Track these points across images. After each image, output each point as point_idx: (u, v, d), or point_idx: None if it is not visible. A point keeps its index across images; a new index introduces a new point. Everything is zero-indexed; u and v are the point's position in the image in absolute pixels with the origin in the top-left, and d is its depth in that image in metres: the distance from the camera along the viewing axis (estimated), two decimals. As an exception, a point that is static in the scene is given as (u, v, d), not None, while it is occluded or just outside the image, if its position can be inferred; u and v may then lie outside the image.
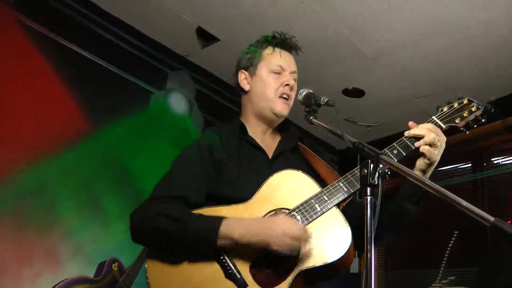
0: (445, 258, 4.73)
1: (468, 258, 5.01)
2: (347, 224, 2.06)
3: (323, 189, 2.16)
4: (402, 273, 5.73)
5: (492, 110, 2.24)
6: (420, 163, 2.14)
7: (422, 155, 2.13)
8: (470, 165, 5.59)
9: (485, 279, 2.94)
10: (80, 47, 4.21)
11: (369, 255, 1.49)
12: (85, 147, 4.08)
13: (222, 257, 2.05)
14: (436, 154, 2.12)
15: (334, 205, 2.11)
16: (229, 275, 2.02)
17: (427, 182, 1.54)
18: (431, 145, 2.11)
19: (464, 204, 1.39)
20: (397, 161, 2.02)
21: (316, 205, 2.10)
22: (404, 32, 4.33)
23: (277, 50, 2.47)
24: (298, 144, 2.50)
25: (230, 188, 2.21)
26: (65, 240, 3.79)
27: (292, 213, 2.10)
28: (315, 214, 2.09)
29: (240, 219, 2.07)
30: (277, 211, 2.13)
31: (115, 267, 3.98)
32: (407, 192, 2.18)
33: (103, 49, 4.39)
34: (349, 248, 2.01)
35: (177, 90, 4.95)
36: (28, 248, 3.57)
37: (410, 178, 1.57)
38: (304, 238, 2.02)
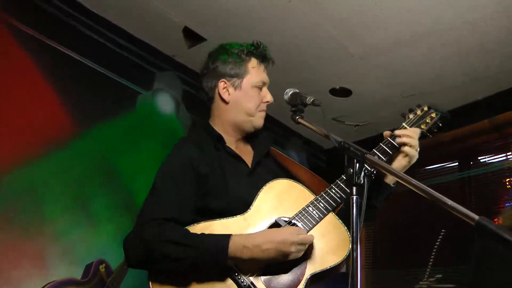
0: (432, 257, 4.75)
1: (455, 256, 5.03)
2: (345, 226, 2.17)
3: (318, 196, 2.23)
4: (389, 272, 5.75)
5: (449, 117, 2.40)
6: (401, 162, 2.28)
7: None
8: (457, 163, 5.61)
9: (479, 279, 2.96)
10: (67, 47, 4.18)
11: (355, 254, 1.50)
12: (73, 148, 4.06)
13: (235, 273, 2.05)
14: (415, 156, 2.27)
15: (331, 211, 2.20)
16: None
17: (413, 182, 1.54)
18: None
19: (449, 203, 1.41)
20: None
21: (314, 212, 2.18)
22: (391, 32, 4.34)
23: (261, 64, 2.50)
24: (270, 148, 2.56)
25: (220, 201, 2.22)
26: (53, 242, 3.76)
27: (293, 221, 2.17)
28: (314, 220, 2.17)
29: (246, 235, 2.09)
30: (277, 221, 2.18)
31: (102, 268, 3.96)
32: (378, 191, 2.31)
33: (90, 49, 4.36)
34: (350, 249, 2.10)
35: (164, 90, 4.93)
36: (15, 250, 3.55)
37: (395, 178, 1.58)
38: (308, 241, 2.09)
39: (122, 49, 4.62)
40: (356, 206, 1.58)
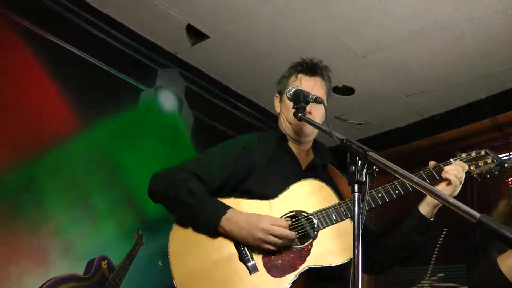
0: (434, 255, 4.75)
1: (457, 255, 5.02)
2: None
3: (341, 202, 2.38)
4: (391, 270, 5.74)
5: (506, 166, 2.44)
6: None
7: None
8: (459, 162, 5.59)
9: (482, 277, 2.95)
10: (69, 44, 4.18)
11: (356, 251, 1.49)
12: (74, 144, 4.06)
13: (240, 244, 2.28)
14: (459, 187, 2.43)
15: (349, 218, 2.33)
16: (243, 259, 2.25)
17: (415, 179, 1.54)
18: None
19: (451, 201, 1.41)
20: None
21: (333, 215, 2.33)
22: (393, 29, 4.33)
23: (300, 76, 2.69)
24: (328, 165, 2.74)
25: (257, 185, 2.45)
26: (54, 238, 3.76)
27: (310, 217, 2.34)
28: (330, 221, 2.32)
29: (239, 212, 2.30)
30: (297, 213, 2.36)
31: (104, 264, 3.97)
32: (415, 222, 2.43)
33: (92, 46, 4.36)
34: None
35: (167, 87, 4.93)
36: (16, 246, 3.55)
37: (397, 175, 1.57)
38: (280, 234, 2.22)
39: (125, 46, 4.62)
40: (358, 203, 1.58)
